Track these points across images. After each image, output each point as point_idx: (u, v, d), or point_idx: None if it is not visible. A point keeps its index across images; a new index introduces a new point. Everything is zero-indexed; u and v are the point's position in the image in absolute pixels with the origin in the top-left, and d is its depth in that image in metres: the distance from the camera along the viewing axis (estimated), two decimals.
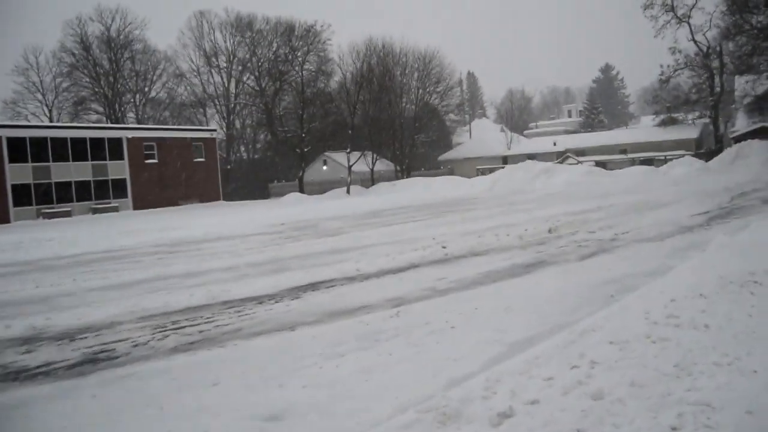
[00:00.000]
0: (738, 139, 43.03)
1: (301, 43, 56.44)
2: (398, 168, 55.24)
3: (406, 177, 52.36)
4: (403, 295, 7.82)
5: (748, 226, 10.45)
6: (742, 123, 54.36)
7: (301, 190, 49.96)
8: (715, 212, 14.71)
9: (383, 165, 54.16)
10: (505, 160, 53.78)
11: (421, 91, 57.57)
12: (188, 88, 63.53)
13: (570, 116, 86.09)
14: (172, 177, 45.40)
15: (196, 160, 47.93)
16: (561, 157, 45.70)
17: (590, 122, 77.93)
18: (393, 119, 54.53)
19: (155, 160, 45.05)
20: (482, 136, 65.05)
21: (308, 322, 6.82)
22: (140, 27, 60.95)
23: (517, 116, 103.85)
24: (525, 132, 77.57)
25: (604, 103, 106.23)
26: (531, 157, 49.24)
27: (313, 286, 8.85)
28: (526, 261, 9.69)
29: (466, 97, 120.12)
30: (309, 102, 53.54)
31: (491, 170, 43.36)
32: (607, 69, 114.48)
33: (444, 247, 11.74)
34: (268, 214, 27.46)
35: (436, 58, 56.50)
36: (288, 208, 31.14)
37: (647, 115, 70.79)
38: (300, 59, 55.45)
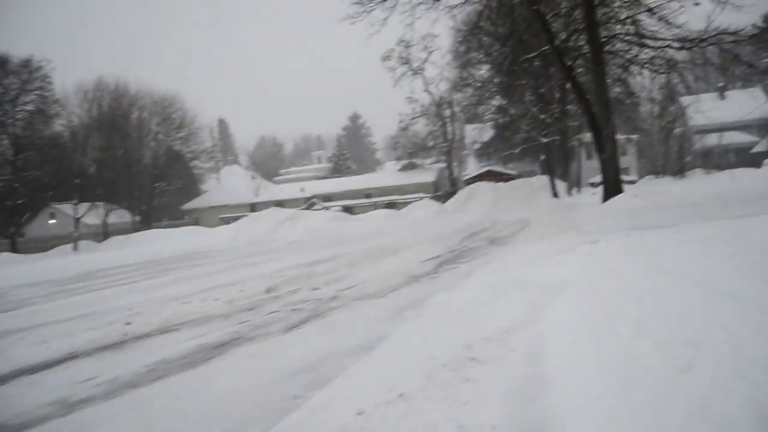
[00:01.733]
0: (469, 182, 46.16)
1: (14, 79, 49.21)
2: (137, 219, 50.37)
3: (147, 229, 47.75)
4: None
5: (472, 273, 9.57)
6: (473, 167, 59.04)
7: (14, 250, 42.78)
8: (445, 256, 14.06)
9: (120, 216, 48.96)
10: (253, 207, 51.90)
11: (161, 135, 53.64)
12: None
13: (320, 162, 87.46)
14: None
15: None
16: (307, 203, 44.99)
17: (339, 168, 79.66)
18: (130, 165, 49.74)
19: None
20: (231, 184, 62.65)
21: None
22: None
23: (269, 163, 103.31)
24: (275, 178, 76.62)
25: (352, 150, 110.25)
26: (279, 203, 47.97)
27: None
28: (220, 338, 7.58)
29: (217, 143, 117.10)
30: (24, 147, 46.56)
31: (236, 218, 41.04)
32: (355, 118, 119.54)
33: (128, 323, 9.20)
34: None
35: (177, 101, 53.23)
36: None
37: (391, 161, 74.20)
38: (12, 97, 48.13)
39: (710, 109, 40.38)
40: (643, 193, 20.60)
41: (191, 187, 63.26)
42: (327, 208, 40.86)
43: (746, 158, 53.78)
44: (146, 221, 50.70)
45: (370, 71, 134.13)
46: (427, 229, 23.90)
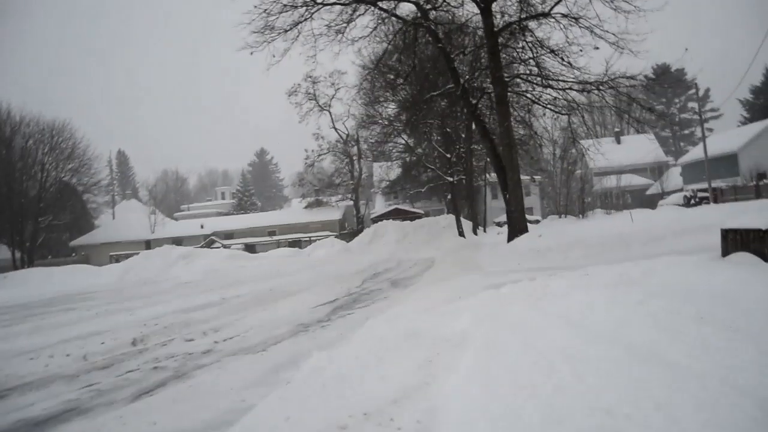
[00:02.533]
0: (376, 220, 45.47)
1: None
2: (19, 257, 46.42)
3: (29, 266, 43.94)
4: None
5: (366, 322, 8.53)
6: (380, 205, 58.64)
7: None
8: (342, 300, 12.97)
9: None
10: (148, 244, 49.04)
11: (49, 166, 50.02)
12: None
13: (224, 198, 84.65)
14: None
15: None
16: (206, 240, 42.88)
17: (243, 205, 77.42)
18: (11, 197, 45.90)
19: None
20: (126, 219, 59.24)
21: None
22: None
23: (170, 198, 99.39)
24: (175, 214, 73.39)
25: (259, 186, 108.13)
26: (177, 240, 45.60)
27: None
28: (49, 410, 6.14)
29: (115, 176, 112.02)
30: None
31: (128, 256, 38.39)
32: (262, 153, 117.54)
33: None
34: None
35: (67, 130, 49.91)
36: None
37: (298, 198, 72.85)
38: None
39: (608, 152, 41.79)
40: (548, 233, 20.35)
41: (83, 222, 59.31)
42: (227, 246, 38.94)
43: (642, 199, 56.18)
44: (30, 258, 46.84)
45: (280, 106, 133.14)
46: (328, 269, 22.77)
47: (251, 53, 22.20)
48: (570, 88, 21.30)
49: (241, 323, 10.87)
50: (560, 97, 22.17)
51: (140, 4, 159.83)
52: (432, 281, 14.94)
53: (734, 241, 9.31)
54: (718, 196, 40.95)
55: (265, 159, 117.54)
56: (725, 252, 9.28)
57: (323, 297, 13.71)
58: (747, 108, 61.33)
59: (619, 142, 69.54)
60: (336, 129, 51.87)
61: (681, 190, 53.61)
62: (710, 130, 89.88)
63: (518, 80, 22.29)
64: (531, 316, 6.42)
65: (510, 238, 21.19)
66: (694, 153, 55.43)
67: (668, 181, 57.64)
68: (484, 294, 8.93)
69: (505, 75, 21.75)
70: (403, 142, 43.22)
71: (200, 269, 29.78)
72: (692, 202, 42.13)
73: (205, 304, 14.54)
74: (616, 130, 73.41)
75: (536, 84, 21.92)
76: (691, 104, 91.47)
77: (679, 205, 42.41)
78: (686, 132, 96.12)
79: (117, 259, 39.38)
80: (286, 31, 21.98)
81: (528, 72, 21.97)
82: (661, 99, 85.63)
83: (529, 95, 22.51)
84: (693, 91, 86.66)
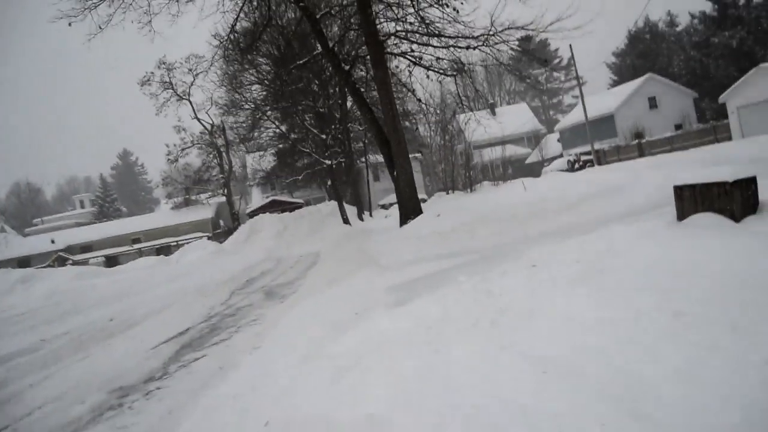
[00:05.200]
0: (252, 215, 41.56)
1: None
2: None
3: None
4: None
5: (212, 380, 5.25)
6: (257, 198, 54.44)
7: None
8: (195, 330, 9.50)
9: None
10: None
11: None
12: None
13: (83, 207, 76.48)
14: None
15: None
16: (53, 258, 37.28)
17: (105, 212, 70.21)
18: None
19: None
20: None
21: None
22: None
23: (24, 212, 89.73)
24: (27, 230, 65.27)
25: (125, 191, 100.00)
26: (24, 261, 39.60)
27: None
28: None
29: None
30: None
31: None
32: (125, 155, 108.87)
33: None
34: None
35: None
36: None
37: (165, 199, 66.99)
38: None
39: (483, 127, 40.39)
40: (445, 211, 17.71)
41: None
42: (81, 263, 33.75)
43: (523, 169, 55.68)
44: None
45: (139, 101, 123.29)
46: (192, 280, 18.97)
47: (69, 24, 17.90)
48: (455, 45, 18.70)
49: (37, 391, 7.21)
50: (444, 57, 19.57)
51: None
52: (317, 286, 11.73)
53: (691, 199, 6.93)
54: (601, 158, 40.49)
55: (129, 160, 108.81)
56: (681, 214, 6.99)
57: (172, 326, 10.18)
58: (614, 71, 62.39)
59: (494, 113, 69.04)
60: (199, 119, 47.20)
61: (561, 155, 53.53)
62: (576, 97, 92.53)
63: (396, 39, 19.35)
64: (501, 379, 3.42)
65: (403, 221, 18.38)
66: (571, 117, 55.55)
67: (547, 148, 57.53)
68: (394, 313, 5.88)
69: (381, 33, 18.80)
70: (275, 127, 39.49)
71: (42, 294, 24.85)
72: (576, 166, 41.52)
73: (12, 354, 10.57)
74: (490, 102, 73.06)
75: (417, 43, 19.15)
76: (556, 74, 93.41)
77: (563, 170, 41.74)
78: (554, 101, 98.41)
79: None
80: None
81: (406, 29, 19.11)
82: (528, 70, 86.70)
83: (409, 56, 19.67)
84: (557, 60, 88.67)
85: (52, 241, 42.87)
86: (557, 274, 5.76)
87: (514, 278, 5.79)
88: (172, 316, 11.54)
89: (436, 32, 18.09)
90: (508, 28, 17.58)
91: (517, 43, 18.55)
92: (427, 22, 17.95)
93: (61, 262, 35.19)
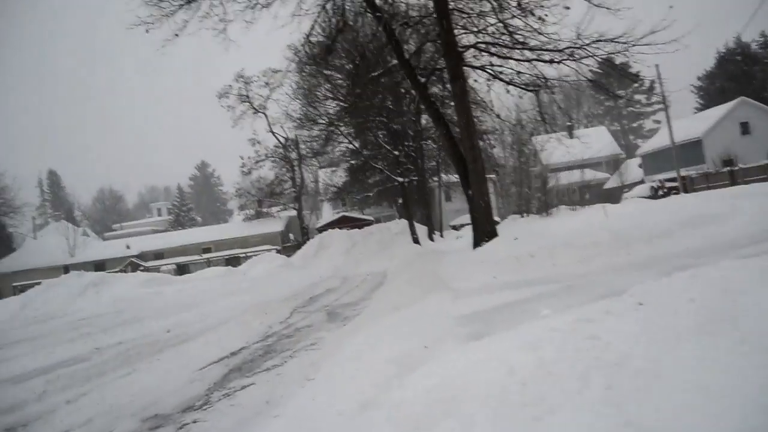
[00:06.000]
0: (321, 230, 41.25)
1: None
2: None
3: None
4: None
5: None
6: (327, 214, 54.29)
7: None
8: (248, 351, 8.80)
9: None
10: (67, 269, 43.54)
11: None
12: None
13: (160, 215, 78.36)
14: None
15: None
16: (125, 264, 37.86)
17: (181, 221, 71.67)
18: None
19: None
20: (47, 243, 53.05)
21: None
22: None
23: (106, 218, 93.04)
24: (106, 234, 67.32)
25: (202, 201, 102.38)
26: (99, 264, 40.54)
27: None
28: None
29: (47, 198, 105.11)
30: None
31: (35, 285, 33.11)
32: (203, 166, 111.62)
33: None
34: None
35: None
36: None
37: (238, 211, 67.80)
38: None
39: (562, 147, 38.83)
40: (523, 234, 16.54)
41: (6, 248, 53.55)
42: (151, 269, 34.13)
43: (601, 194, 53.38)
44: None
45: (218, 116, 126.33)
46: (256, 294, 18.46)
47: (147, 31, 17.82)
48: (538, 59, 17.59)
49: (69, 410, 6.60)
50: (525, 71, 18.47)
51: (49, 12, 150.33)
52: (382, 310, 10.84)
53: None
54: (687, 185, 38.12)
55: (207, 172, 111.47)
56: None
57: (227, 344, 9.51)
58: (701, 94, 59.34)
59: (571, 136, 66.85)
60: (273, 133, 47.40)
61: (642, 182, 51.03)
62: (658, 122, 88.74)
63: (476, 51, 18.39)
64: None
65: (476, 243, 17.26)
66: (654, 142, 53.01)
67: (627, 173, 54.99)
68: (469, 351, 4.92)
69: (459, 46, 17.91)
70: (347, 143, 39.12)
71: (111, 299, 25.07)
72: (660, 192, 39.24)
73: (60, 362, 10.15)
74: (568, 124, 70.84)
75: (497, 56, 18.13)
76: (637, 96, 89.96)
77: (645, 196, 39.53)
78: (634, 125, 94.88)
79: (21, 289, 34.01)
80: (189, 1, 17.70)
81: (486, 41, 18.13)
82: (608, 93, 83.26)
83: (488, 70, 18.66)
84: (638, 84, 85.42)
85: (128, 247, 43.80)
86: (674, 319, 4.67)
87: (621, 321, 4.73)
88: (229, 332, 10.88)
89: (519, 42, 17.03)
90: (597, 41, 16.35)
91: (605, 55, 17.27)
92: (510, 29, 16.91)
93: (134, 267, 35.74)
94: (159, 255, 42.70)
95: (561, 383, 3.34)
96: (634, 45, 15.78)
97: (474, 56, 18.77)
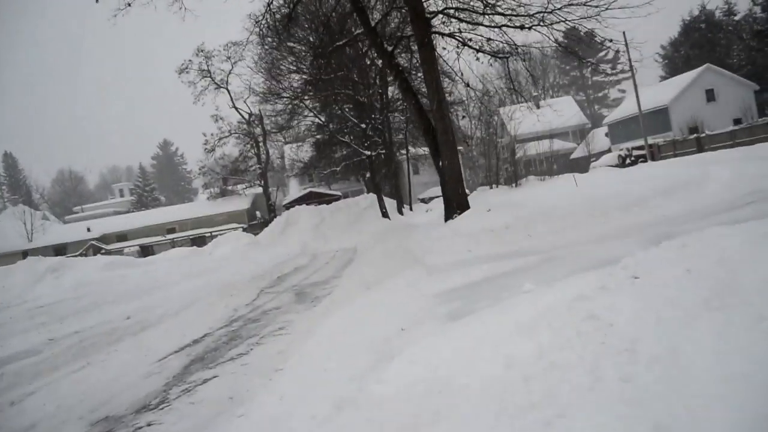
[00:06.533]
0: (288, 206, 40.48)
1: None
2: None
3: None
4: None
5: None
6: (294, 190, 53.39)
7: None
8: (211, 338, 8.20)
9: None
10: (25, 255, 42.05)
11: None
12: None
13: (122, 196, 76.27)
14: None
15: None
16: (86, 246, 36.70)
17: (144, 201, 69.93)
18: None
19: None
20: (5, 228, 51.17)
21: None
22: None
23: (67, 200, 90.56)
24: (66, 217, 65.40)
25: (166, 181, 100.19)
26: (60, 248, 39.22)
27: None
28: None
29: (3, 181, 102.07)
30: None
31: None
32: (165, 145, 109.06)
33: None
34: None
35: None
36: None
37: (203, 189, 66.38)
38: None
39: (529, 117, 38.62)
40: (495, 206, 16.11)
41: None
42: (113, 252, 33.04)
43: (569, 164, 53.47)
44: None
45: (182, 92, 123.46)
46: (222, 275, 17.78)
47: (96, 0, 16.77)
48: (508, 24, 17.03)
49: (12, 413, 5.96)
50: (494, 38, 17.91)
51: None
52: (353, 289, 10.32)
53: None
54: (655, 153, 38.20)
55: (170, 150, 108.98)
56: None
57: (189, 331, 8.91)
58: (666, 62, 59.48)
59: (538, 106, 66.73)
60: (237, 108, 46.16)
61: (609, 150, 51.13)
62: (623, 91, 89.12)
63: (444, 17, 17.73)
64: None
65: (448, 216, 16.80)
66: (621, 111, 53.13)
67: (594, 143, 55.07)
68: (450, 331, 4.42)
69: (427, 13, 17.24)
70: (313, 117, 38.19)
71: (71, 284, 24.06)
72: (628, 161, 39.29)
73: (9, 357, 9.44)
74: (534, 94, 70.61)
75: (466, 21, 17.53)
76: (602, 66, 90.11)
77: (613, 165, 39.52)
78: (600, 95, 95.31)
79: None
80: None
81: (455, 6, 17.50)
82: (572, 63, 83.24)
83: (457, 37, 18.05)
84: (603, 53, 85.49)
85: (88, 230, 42.43)
86: (676, 294, 4.23)
87: (619, 297, 4.27)
88: (192, 318, 10.27)
89: (490, 4, 16.42)
90: (569, 5, 15.85)
91: (577, 20, 16.78)
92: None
93: (95, 250, 34.60)
94: (122, 237, 41.50)
95: (569, 377, 2.84)
96: (606, 8, 15.31)
97: (443, 22, 18.11)
